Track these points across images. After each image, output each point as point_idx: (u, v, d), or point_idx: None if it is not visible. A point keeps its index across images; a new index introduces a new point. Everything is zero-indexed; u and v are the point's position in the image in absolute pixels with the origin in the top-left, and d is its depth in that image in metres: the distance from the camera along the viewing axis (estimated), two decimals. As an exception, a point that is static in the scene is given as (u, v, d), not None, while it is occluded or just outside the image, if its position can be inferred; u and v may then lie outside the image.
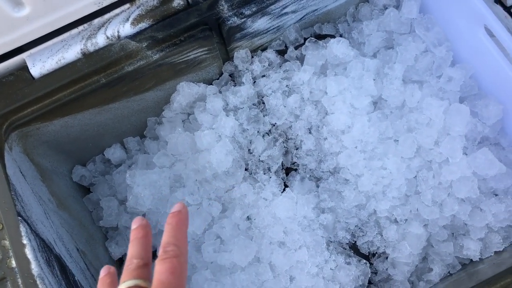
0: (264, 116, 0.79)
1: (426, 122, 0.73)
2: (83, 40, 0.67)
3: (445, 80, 0.74)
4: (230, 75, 0.82)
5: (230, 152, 0.75)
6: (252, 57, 0.80)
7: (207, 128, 0.77)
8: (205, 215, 0.74)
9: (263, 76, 0.80)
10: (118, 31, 0.67)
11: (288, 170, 0.79)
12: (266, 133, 0.79)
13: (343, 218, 0.74)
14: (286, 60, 0.81)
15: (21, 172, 0.66)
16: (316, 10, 0.78)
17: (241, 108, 0.78)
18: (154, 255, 0.43)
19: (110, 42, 0.67)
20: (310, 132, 0.78)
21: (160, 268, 0.40)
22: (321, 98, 0.77)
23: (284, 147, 0.79)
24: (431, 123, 0.73)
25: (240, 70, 0.80)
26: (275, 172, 0.77)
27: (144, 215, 0.75)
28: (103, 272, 0.45)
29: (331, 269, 0.70)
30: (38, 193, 0.67)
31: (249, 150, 0.78)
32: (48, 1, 0.60)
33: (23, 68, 0.67)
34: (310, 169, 0.77)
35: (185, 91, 0.77)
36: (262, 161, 0.77)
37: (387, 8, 0.80)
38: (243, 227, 0.74)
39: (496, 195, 0.72)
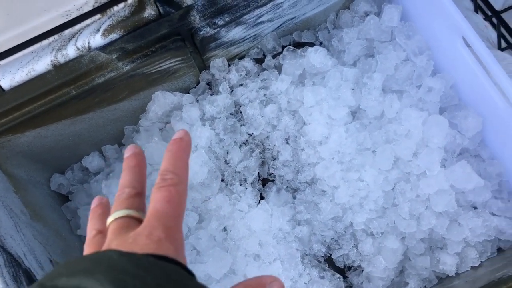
0: (241, 126, 0.77)
1: (405, 133, 0.72)
2: (53, 52, 0.66)
3: (425, 91, 0.72)
4: (207, 84, 0.80)
5: (206, 163, 0.74)
6: (229, 65, 0.79)
7: (183, 138, 0.76)
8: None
9: (241, 85, 0.79)
10: (88, 42, 0.66)
11: (265, 181, 0.78)
12: (243, 143, 0.78)
13: (319, 230, 0.72)
14: (264, 69, 0.80)
15: (-10, 185, 0.66)
16: (294, 18, 0.77)
17: (218, 118, 0.77)
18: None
19: (81, 54, 0.66)
20: (287, 143, 0.77)
21: (156, 196, 0.36)
22: (299, 108, 0.76)
23: (261, 157, 0.77)
24: (409, 134, 0.72)
25: (217, 79, 0.79)
26: (251, 183, 0.76)
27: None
28: (94, 202, 0.41)
29: (304, 283, 0.69)
30: (10, 206, 0.67)
31: (225, 160, 0.77)
32: (13, 15, 0.59)
33: (-7, 80, 0.66)
34: (287, 180, 0.76)
35: (161, 100, 0.76)
36: (238, 172, 0.76)
37: (368, 15, 0.78)
38: (219, 238, 0.73)
39: (475, 207, 0.70)
